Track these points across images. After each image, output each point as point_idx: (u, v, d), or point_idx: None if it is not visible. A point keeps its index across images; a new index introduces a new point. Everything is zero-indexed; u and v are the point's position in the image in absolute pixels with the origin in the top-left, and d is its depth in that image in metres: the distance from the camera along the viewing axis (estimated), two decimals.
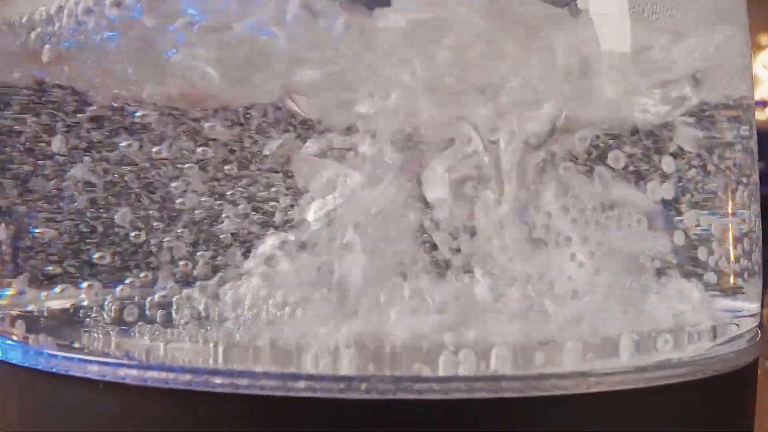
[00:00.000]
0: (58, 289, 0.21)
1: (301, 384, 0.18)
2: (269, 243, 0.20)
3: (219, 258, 0.20)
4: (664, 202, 0.21)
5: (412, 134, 0.20)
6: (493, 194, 0.19)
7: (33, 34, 0.21)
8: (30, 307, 0.21)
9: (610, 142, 0.20)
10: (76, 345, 0.20)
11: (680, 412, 0.20)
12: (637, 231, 0.21)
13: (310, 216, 0.19)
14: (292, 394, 0.18)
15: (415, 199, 0.19)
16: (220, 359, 0.19)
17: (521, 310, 0.19)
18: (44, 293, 0.21)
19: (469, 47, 0.20)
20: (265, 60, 0.20)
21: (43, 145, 0.21)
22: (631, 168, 0.21)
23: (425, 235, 0.19)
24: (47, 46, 0.21)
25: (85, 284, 0.20)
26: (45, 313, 0.21)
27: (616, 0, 0.21)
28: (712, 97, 0.22)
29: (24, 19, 0.22)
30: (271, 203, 0.20)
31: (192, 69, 0.20)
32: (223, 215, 0.20)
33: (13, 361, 0.21)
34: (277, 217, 0.20)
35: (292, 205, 0.20)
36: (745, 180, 0.23)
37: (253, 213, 0.20)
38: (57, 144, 0.21)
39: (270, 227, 0.20)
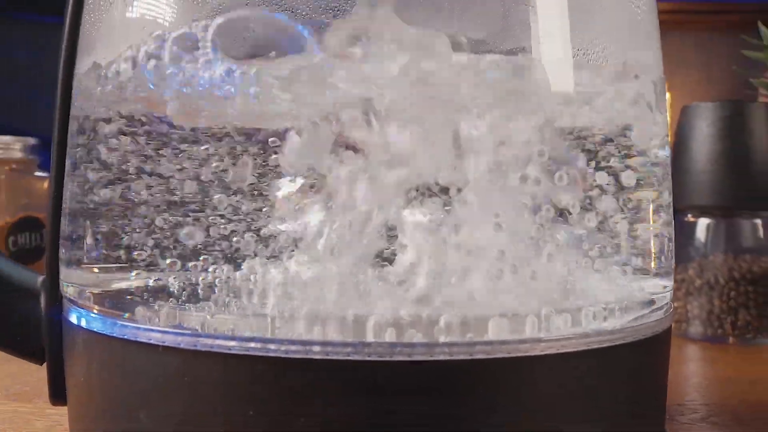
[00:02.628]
0: (131, 273, 0.20)
1: (317, 348, 0.17)
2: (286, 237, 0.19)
3: (255, 248, 0.19)
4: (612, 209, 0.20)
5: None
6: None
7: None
8: (108, 287, 0.20)
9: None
10: (143, 317, 0.19)
11: (614, 369, 0.20)
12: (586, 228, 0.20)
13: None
14: (310, 356, 0.17)
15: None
16: (255, 328, 0.18)
17: (490, 290, 0.18)
18: (119, 276, 0.20)
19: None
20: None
21: (126, 154, 0.20)
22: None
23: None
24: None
25: (151, 271, 0.19)
26: (120, 292, 0.20)
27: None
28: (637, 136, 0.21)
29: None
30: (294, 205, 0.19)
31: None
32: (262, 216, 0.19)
33: (95, 330, 0.20)
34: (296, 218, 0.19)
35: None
36: (663, 190, 0.22)
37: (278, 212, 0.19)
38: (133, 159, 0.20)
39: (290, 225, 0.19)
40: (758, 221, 0.53)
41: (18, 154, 0.58)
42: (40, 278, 0.23)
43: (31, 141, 0.59)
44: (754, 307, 0.51)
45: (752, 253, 0.52)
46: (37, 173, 0.60)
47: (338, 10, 0.19)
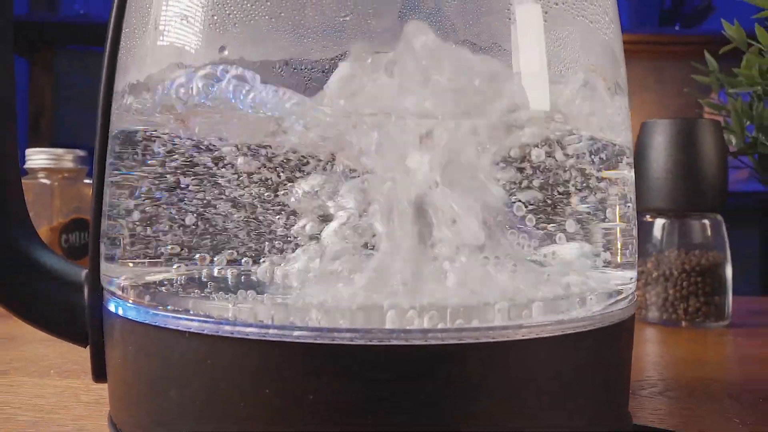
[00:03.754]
0: (161, 268, 0.19)
1: (325, 334, 0.17)
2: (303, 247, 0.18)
3: (273, 248, 0.18)
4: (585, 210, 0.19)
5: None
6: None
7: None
8: (141, 280, 0.20)
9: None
10: (171, 306, 0.19)
11: (586, 351, 0.19)
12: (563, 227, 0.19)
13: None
14: (319, 341, 0.17)
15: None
16: (271, 317, 0.18)
17: (477, 282, 0.18)
18: (150, 270, 0.20)
19: None
20: None
21: (156, 164, 0.20)
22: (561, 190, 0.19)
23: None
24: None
25: (178, 265, 0.19)
26: (151, 284, 0.20)
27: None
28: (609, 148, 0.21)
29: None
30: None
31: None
32: (277, 221, 0.18)
33: (130, 317, 0.20)
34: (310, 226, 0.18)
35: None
36: (628, 195, 0.22)
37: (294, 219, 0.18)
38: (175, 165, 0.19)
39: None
40: (706, 221, 0.53)
41: (69, 164, 0.57)
42: (84, 272, 0.23)
43: (80, 153, 0.58)
44: (703, 295, 0.51)
45: (701, 248, 0.52)
46: (86, 180, 0.59)
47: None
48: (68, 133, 1.70)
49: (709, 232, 0.53)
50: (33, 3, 1.68)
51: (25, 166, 0.58)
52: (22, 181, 0.62)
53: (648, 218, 0.54)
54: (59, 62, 1.75)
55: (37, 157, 0.57)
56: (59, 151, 0.57)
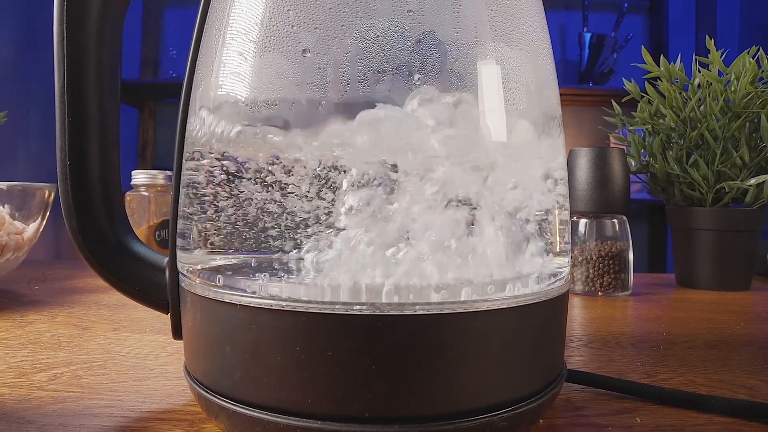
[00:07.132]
0: (218, 257, 0.18)
1: (339, 306, 0.16)
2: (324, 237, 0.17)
3: (299, 243, 0.17)
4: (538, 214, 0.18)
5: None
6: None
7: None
8: (205, 265, 0.19)
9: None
10: (226, 285, 0.18)
11: (535, 317, 0.18)
12: (522, 227, 0.18)
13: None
14: (335, 311, 0.16)
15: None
16: (298, 293, 0.16)
17: (456, 267, 0.16)
18: (211, 258, 0.19)
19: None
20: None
21: (214, 180, 0.18)
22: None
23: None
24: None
25: (231, 255, 0.18)
26: (211, 268, 0.18)
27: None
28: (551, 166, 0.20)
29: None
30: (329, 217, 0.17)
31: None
32: (315, 221, 0.17)
33: (196, 293, 0.18)
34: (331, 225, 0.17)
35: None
36: (565, 202, 0.21)
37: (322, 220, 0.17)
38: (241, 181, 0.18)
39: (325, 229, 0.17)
40: (615, 220, 0.52)
41: (161, 181, 0.57)
42: (166, 259, 0.22)
43: (169, 173, 0.58)
44: (613, 273, 0.51)
45: (611, 239, 0.51)
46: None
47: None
48: (165, 160, 1.70)
49: (617, 228, 0.52)
50: (143, 71, 1.71)
51: (131, 182, 0.57)
52: (130, 193, 0.61)
53: (575, 218, 0.53)
54: (159, 110, 1.76)
55: (140, 176, 0.57)
56: (154, 171, 0.57)
